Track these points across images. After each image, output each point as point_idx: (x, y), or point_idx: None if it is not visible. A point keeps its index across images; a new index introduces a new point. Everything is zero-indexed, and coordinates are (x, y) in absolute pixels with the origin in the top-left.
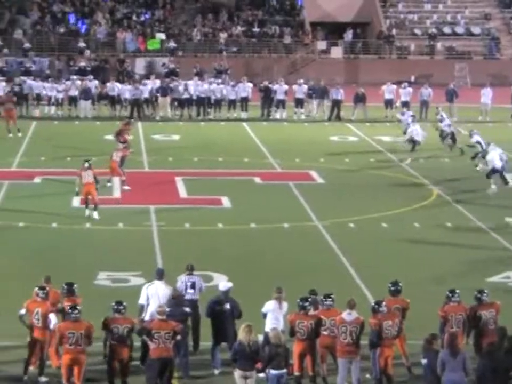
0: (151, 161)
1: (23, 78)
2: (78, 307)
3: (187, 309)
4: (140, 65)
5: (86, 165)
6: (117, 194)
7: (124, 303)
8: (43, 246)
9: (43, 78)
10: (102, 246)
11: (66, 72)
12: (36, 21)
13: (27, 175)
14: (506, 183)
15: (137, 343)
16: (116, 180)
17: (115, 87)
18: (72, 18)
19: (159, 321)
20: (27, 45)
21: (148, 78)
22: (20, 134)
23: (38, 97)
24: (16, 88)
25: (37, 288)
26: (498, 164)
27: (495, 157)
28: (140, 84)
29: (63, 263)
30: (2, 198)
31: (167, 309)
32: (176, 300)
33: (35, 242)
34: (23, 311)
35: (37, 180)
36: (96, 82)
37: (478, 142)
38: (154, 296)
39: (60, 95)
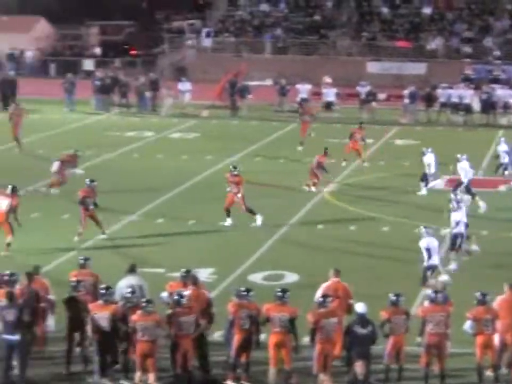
0: None
1: (491, 86)
2: None
3: None
4: None
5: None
6: None
7: None
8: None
9: (511, 86)
10: None
11: None
12: (505, 28)
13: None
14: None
15: None
16: None
17: None
18: None
19: None
20: (496, 52)
21: None
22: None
23: (506, 106)
24: (484, 96)
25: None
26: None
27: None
28: None
29: None
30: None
31: None
32: None
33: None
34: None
35: (502, 188)
36: None
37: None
38: None
39: None
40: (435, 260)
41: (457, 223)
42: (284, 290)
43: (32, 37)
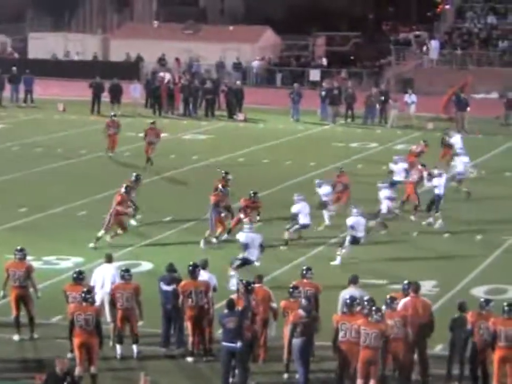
0: None
1: None
2: None
3: None
4: None
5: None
6: None
7: None
8: None
9: None
10: None
11: None
12: None
13: None
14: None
15: None
16: None
17: None
18: None
19: None
20: None
21: None
22: None
23: None
24: None
25: None
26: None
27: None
28: None
29: None
30: None
31: None
32: None
33: None
34: None
35: None
36: None
37: None
38: None
39: None
40: (253, 255)
41: None
42: (510, 305)
43: (258, 46)
